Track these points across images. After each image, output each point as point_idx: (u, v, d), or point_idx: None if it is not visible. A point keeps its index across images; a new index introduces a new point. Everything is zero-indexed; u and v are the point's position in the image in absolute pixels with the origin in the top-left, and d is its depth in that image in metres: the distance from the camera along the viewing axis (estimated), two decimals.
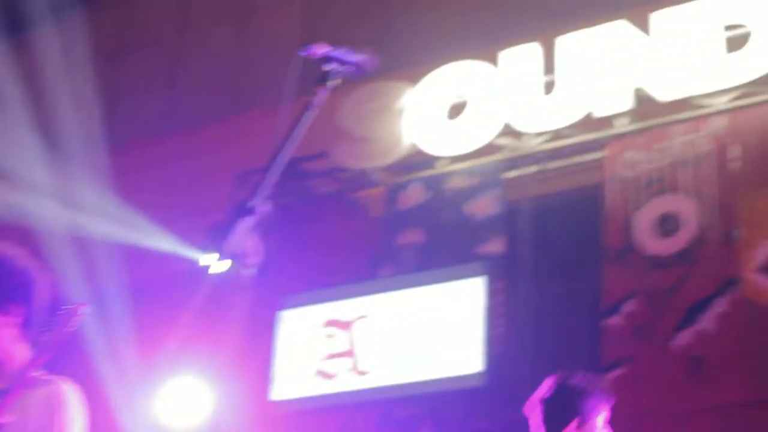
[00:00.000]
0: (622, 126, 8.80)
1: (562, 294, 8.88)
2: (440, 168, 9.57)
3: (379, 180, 9.77)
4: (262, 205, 2.96)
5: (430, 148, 9.49)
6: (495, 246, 9.09)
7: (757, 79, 8.30)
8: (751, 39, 8.33)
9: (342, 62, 3.17)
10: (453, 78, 9.55)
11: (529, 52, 9.26)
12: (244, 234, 2.95)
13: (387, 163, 9.72)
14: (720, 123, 8.33)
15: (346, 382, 9.24)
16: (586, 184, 8.99)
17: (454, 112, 9.45)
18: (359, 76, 3.24)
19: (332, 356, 9.36)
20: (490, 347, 8.71)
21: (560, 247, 8.98)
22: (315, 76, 3.18)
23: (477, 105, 9.33)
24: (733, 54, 8.34)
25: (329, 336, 9.40)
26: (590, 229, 8.70)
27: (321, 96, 3.12)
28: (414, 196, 9.59)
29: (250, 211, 2.95)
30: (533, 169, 9.32)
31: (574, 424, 4.50)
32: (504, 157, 9.35)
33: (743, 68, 8.30)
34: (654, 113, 8.69)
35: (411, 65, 9.74)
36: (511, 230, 9.14)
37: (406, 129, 9.57)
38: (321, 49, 3.17)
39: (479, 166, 9.41)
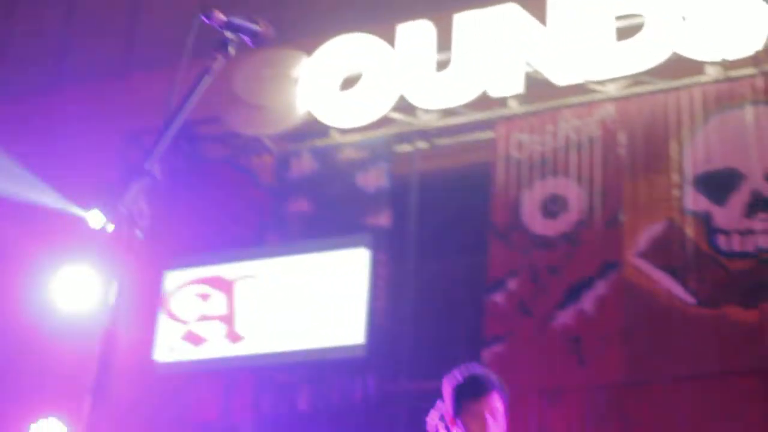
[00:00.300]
0: (515, 107, 8.90)
1: (447, 269, 8.97)
2: (332, 138, 9.57)
3: (270, 147, 9.74)
4: (154, 167, 2.94)
5: (324, 118, 9.47)
6: (382, 219, 9.14)
7: (648, 70, 8.45)
8: (644, 29, 8.47)
9: (240, 30, 3.16)
10: (348, 50, 9.54)
11: (425, 28, 9.29)
12: (136, 194, 2.93)
13: (279, 131, 9.69)
14: (609, 110, 8.49)
15: (221, 347, 9.22)
16: (476, 163, 9.08)
17: (348, 84, 9.45)
18: (256, 45, 3.24)
19: (207, 318, 9.32)
20: (372, 319, 8.76)
21: (447, 222, 9.08)
22: (212, 40, 3.17)
23: (371, 78, 9.33)
24: (623, 42, 8.46)
25: (207, 297, 9.35)
26: (478, 206, 8.79)
27: (219, 62, 3.11)
28: (305, 165, 9.58)
29: (142, 173, 2.93)
30: (424, 144, 9.40)
31: (481, 405, 4.55)
32: (396, 132, 9.40)
33: (635, 57, 8.44)
34: (545, 97, 8.80)
35: (307, 35, 9.71)
36: (399, 204, 9.20)
37: (300, 98, 9.54)
38: (220, 16, 3.14)
39: (371, 138, 9.43)
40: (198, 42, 3.25)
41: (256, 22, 3.19)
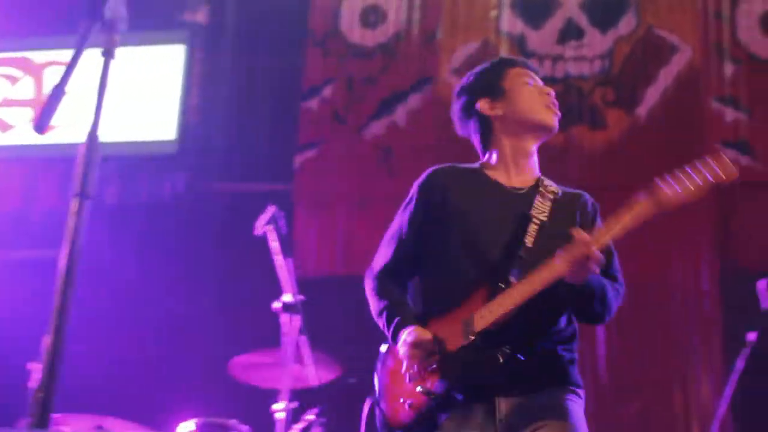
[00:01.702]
0: None
1: (264, 71, 8.94)
2: None
3: None
4: None
5: None
6: (199, 15, 9.04)
7: None
8: None
9: None
10: None
11: None
12: None
13: None
14: None
15: (27, 134, 9.07)
16: None
17: None
18: None
19: (13, 103, 9.14)
20: (185, 117, 8.76)
21: (266, 24, 9.01)
22: None
23: None
24: None
25: (15, 81, 9.15)
26: (298, 10, 8.79)
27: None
28: None
29: None
30: None
31: None
32: None
33: None
34: None
35: None
36: (217, 1, 9.12)
37: None
38: None
39: None
40: None
41: None
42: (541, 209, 3.67)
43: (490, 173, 3.80)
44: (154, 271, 7.98)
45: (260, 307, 5.67)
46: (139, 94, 8.85)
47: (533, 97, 3.79)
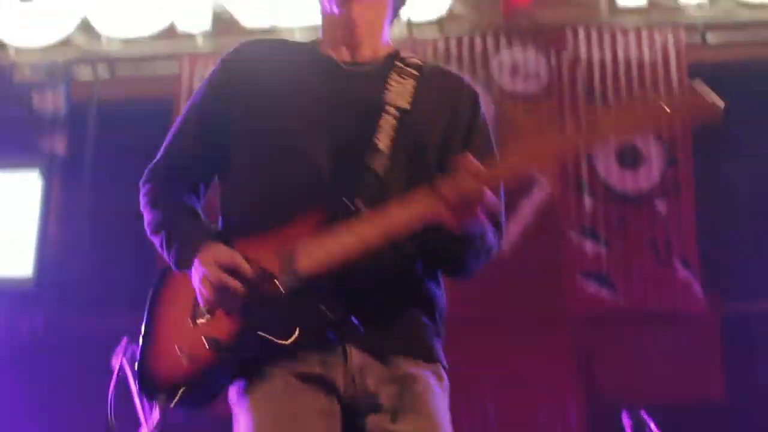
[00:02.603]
0: (201, 44, 8.84)
1: (121, 202, 8.80)
2: (9, 56, 9.15)
3: None
4: None
5: (1, 34, 9.04)
6: (58, 144, 8.89)
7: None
8: None
9: None
10: None
11: None
12: None
13: None
14: None
15: None
16: (159, 95, 8.93)
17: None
18: None
19: None
20: (42, 250, 8.56)
21: (125, 153, 8.89)
22: None
23: None
24: None
25: None
26: (158, 140, 8.67)
27: None
28: None
29: None
30: (106, 71, 9.17)
31: None
32: (77, 56, 9.12)
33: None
34: (234, 36, 8.76)
35: None
36: (75, 131, 8.97)
37: None
38: None
39: (50, 60, 9.09)
40: None
41: None
42: (399, 93, 2.67)
43: (323, 48, 2.84)
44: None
45: None
46: None
47: None
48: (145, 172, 2.94)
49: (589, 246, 7.78)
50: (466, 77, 2.87)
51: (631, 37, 8.18)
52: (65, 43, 9.06)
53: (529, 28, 8.45)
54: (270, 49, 2.86)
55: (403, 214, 2.44)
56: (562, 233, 7.85)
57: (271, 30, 8.63)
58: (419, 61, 2.77)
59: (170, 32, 8.85)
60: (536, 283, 7.63)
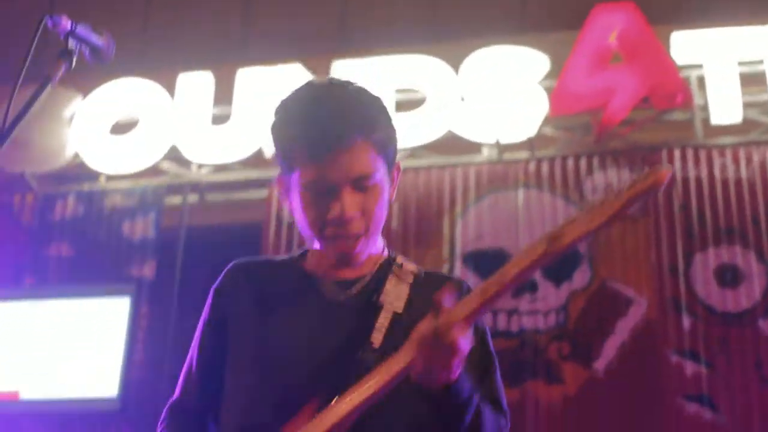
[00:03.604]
0: None
1: None
2: (100, 183, 9.29)
3: (34, 186, 9.34)
4: None
5: (92, 163, 9.17)
6: (146, 270, 8.92)
7: (424, 144, 8.59)
8: (424, 105, 8.62)
9: (84, 40, 2.72)
10: (125, 94, 9.28)
11: (205, 79, 9.17)
12: None
13: (45, 171, 9.32)
14: None
15: None
16: (247, 221, 8.98)
17: (122, 129, 9.19)
18: (93, 61, 2.77)
19: None
20: (128, 372, 8.49)
21: (213, 279, 8.89)
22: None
23: (146, 125, 9.10)
24: (401, 114, 8.47)
25: None
26: None
27: (61, 71, 2.70)
28: (69, 208, 9.24)
29: None
30: (195, 198, 9.25)
31: None
32: (167, 183, 9.22)
33: (412, 131, 8.50)
34: None
35: (85, 75, 9.41)
36: (164, 256, 8.99)
37: (71, 139, 9.21)
38: (66, 22, 2.68)
39: (140, 187, 9.21)
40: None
41: (100, 33, 2.76)
42: (394, 296, 2.63)
43: (308, 264, 2.81)
44: None
45: None
46: (81, 349, 8.59)
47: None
48: (164, 411, 2.88)
49: (689, 367, 7.56)
50: (454, 277, 2.88)
51: (728, 155, 8.12)
52: (155, 170, 9.17)
53: (623, 148, 8.41)
54: (252, 274, 2.89)
55: (375, 379, 2.37)
56: (659, 354, 7.64)
57: None
58: (415, 269, 2.72)
59: (258, 158, 8.89)
60: (634, 404, 7.42)
